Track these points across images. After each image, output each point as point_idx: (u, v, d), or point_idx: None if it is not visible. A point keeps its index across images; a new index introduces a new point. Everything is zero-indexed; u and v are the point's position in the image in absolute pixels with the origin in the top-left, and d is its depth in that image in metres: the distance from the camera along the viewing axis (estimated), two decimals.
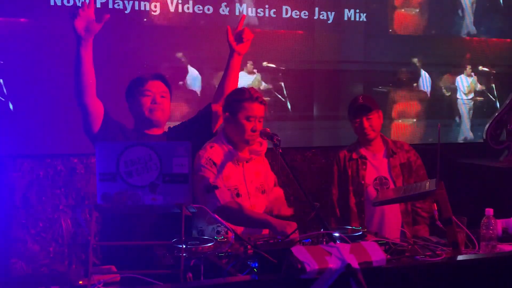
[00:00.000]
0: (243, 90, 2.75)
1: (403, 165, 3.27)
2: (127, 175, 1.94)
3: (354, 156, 3.29)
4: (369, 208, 3.21)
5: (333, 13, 4.41)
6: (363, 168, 3.26)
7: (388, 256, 2.10)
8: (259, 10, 4.22)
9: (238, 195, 2.69)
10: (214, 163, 2.65)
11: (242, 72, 4.14)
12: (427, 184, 2.55)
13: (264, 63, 4.33)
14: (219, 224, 2.57)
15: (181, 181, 1.95)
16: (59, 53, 3.60)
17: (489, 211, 2.51)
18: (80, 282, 1.97)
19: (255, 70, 4.30)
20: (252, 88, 2.76)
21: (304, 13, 4.33)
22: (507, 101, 4.56)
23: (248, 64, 4.25)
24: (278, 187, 2.92)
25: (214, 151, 2.70)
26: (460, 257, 2.28)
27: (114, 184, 1.94)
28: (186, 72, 4.10)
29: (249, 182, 2.76)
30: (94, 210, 1.93)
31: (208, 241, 2.28)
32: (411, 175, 3.27)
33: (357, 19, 4.51)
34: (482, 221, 2.49)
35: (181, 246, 2.00)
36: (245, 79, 4.22)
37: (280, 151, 2.48)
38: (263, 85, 4.33)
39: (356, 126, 3.26)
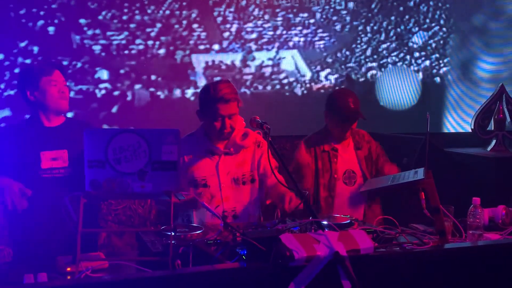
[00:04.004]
0: (207, 87, 2.66)
1: (367, 157, 3.17)
2: (116, 162, 1.93)
3: (326, 148, 3.12)
4: (339, 203, 3.09)
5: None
6: (334, 161, 3.10)
7: (376, 244, 2.11)
8: None
9: (205, 185, 2.72)
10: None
11: None
12: (415, 173, 2.56)
13: None
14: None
15: (170, 169, 1.95)
16: None
17: (476, 200, 2.53)
18: (68, 269, 1.97)
19: None
20: (220, 83, 2.64)
21: None
22: (495, 92, 4.58)
23: None
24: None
25: (187, 140, 2.74)
26: (447, 246, 2.30)
27: (102, 171, 1.93)
28: None
29: (224, 174, 2.75)
30: (82, 197, 1.92)
31: (197, 228, 2.28)
32: (373, 167, 3.18)
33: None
34: (469, 210, 2.51)
35: (170, 233, 2.00)
36: None
37: (270, 139, 2.47)
38: None
39: (337, 128, 3.09)
